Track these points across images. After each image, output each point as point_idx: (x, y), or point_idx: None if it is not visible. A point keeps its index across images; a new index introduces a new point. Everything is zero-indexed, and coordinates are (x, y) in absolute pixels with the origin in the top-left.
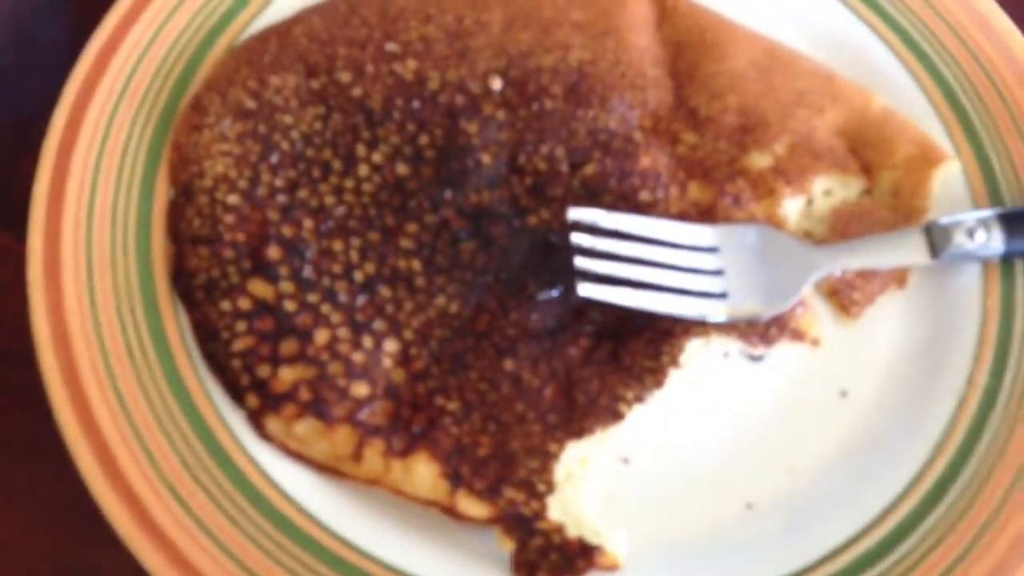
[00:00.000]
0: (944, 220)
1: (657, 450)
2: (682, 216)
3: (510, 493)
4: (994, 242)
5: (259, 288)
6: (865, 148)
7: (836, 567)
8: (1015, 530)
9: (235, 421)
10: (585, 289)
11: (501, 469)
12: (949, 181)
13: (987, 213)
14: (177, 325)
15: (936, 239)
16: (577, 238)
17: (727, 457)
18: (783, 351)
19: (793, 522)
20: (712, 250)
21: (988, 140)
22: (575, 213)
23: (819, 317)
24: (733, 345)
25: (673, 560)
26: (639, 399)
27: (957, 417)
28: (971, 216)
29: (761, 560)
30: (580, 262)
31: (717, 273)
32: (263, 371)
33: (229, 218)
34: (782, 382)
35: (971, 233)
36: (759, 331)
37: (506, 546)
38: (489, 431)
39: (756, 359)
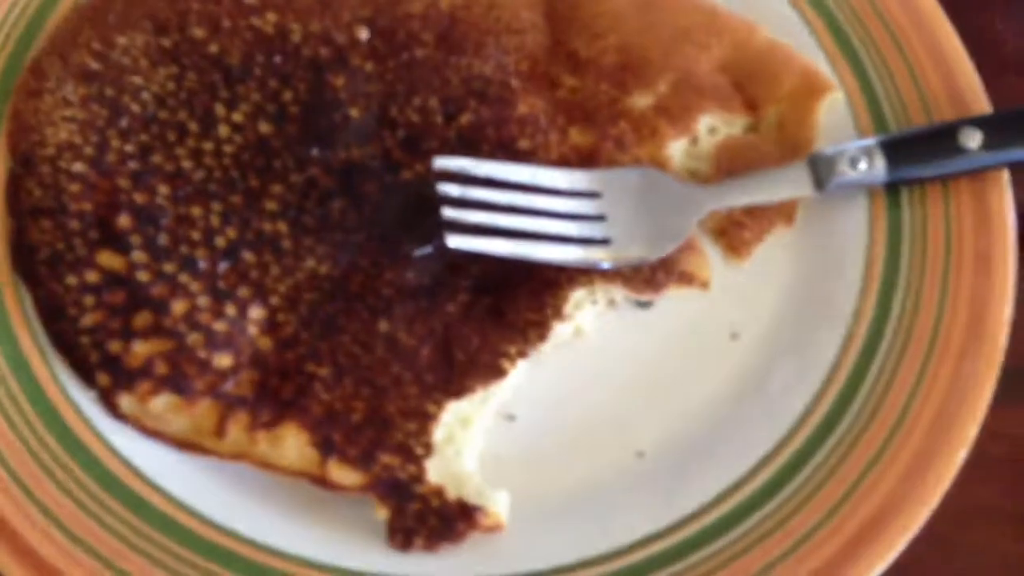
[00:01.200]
0: (827, 150)
1: (544, 405)
2: (563, 162)
3: (385, 458)
4: (877, 170)
5: (108, 259)
6: (750, 82)
7: (722, 512)
8: (900, 469)
9: (85, 402)
10: (455, 240)
11: (375, 434)
12: (834, 111)
13: (869, 141)
14: (19, 305)
15: (820, 170)
16: (445, 188)
17: (617, 408)
18: (672, 297)
19: (682, 469)
20: (593, 195)
21: (871, 66)
22: (442, 162)
23: (709, 260)
24: (619, 293)
25: (560, 516)
26: (522, 354)
27: (844, 352)
28: (854, 145)
29: (649, 509)
30: (448, 213)
31: (599, 219)
32: (114, 347)
33: (74, 187)
34: (672, 328)
35: (854, 162)
36: (646, 277)
37: (382, 514)
38: (363, 396)
39: (644, 306)
